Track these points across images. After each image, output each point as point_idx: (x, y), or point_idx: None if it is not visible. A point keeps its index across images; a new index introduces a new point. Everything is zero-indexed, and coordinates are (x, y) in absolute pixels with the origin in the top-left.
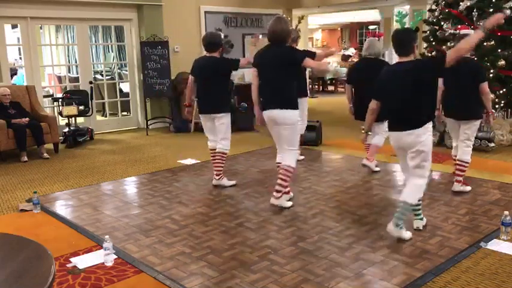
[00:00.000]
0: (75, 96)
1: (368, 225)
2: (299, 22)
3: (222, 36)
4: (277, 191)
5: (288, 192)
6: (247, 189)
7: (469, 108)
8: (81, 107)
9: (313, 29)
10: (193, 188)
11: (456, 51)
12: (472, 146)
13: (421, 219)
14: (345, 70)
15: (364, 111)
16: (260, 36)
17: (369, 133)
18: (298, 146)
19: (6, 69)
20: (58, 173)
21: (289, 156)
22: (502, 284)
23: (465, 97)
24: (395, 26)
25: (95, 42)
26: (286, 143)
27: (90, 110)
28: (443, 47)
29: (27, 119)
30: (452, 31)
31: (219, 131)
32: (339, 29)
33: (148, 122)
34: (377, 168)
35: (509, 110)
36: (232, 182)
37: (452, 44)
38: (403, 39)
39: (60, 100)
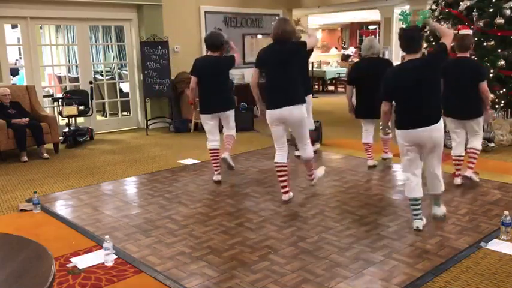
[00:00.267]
0: (75, 96)
1: (368, 225)
2: (296, 25)
3: (226, 37)
4: (310, 175)
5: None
6: (247, 189)
7: (471, 108)
8: (81, 107)
9: (313, 29)
10: (193, 188)
11: (447, 37)
12: (482, 135)
13: (421, 219)
14: (344, 70)
15: (365, 110)
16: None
17: (388, 130)
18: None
19: (6, 69)
20: (58, 173)
21: (308, 148)
22: (502, 284)
23: (466, 97)
24: (398, 25)
25: (95, 42)
26: (304, 138)
27: (90, 110)
28: None
29: (27, 119)
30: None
31: (227, 123)
32: (339, 29)
33: (148, 122)
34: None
35: (509, 110)
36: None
37: (452, 43)
38: (413, 36)
39: (60, 100)
